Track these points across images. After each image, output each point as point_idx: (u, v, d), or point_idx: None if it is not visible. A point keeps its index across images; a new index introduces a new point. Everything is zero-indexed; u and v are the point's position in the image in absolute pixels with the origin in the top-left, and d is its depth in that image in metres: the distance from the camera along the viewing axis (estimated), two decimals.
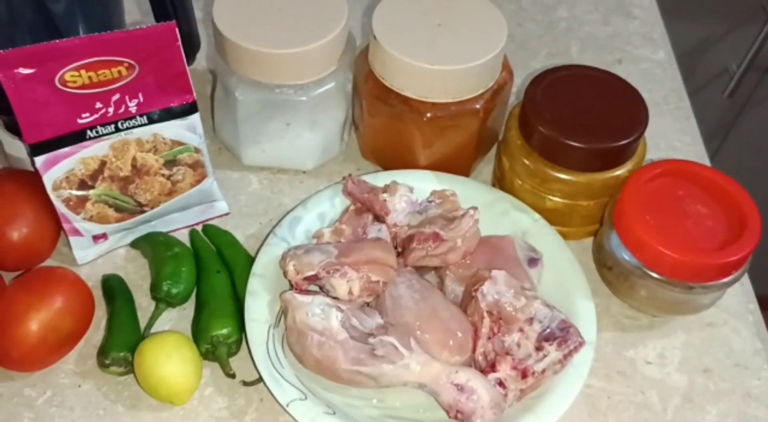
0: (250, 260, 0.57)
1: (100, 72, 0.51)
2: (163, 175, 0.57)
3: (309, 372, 0.51)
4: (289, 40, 0.56)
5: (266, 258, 0.55)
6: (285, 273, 0.53)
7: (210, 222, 0.61)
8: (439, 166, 0.62)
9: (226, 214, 0.62)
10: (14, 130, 0.59)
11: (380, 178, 0.60)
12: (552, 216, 0.59)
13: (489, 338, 0.51)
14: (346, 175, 0.62)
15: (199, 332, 0.52)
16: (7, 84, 0.49)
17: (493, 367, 0.50)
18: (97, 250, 0.58)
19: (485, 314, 0.51)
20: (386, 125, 0.61)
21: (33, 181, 0.57)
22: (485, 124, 0.60)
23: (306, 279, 0.52)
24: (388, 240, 0.56)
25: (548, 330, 0.51)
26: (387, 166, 0.64)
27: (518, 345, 0.51)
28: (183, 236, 0.60)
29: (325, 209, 0.59)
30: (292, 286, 0.53)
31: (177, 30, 0.51)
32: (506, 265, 0.54)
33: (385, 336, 0.50)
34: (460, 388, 0.48)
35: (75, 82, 0.51)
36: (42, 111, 0.51)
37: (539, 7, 0.82)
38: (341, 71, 0.60)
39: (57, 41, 0.49)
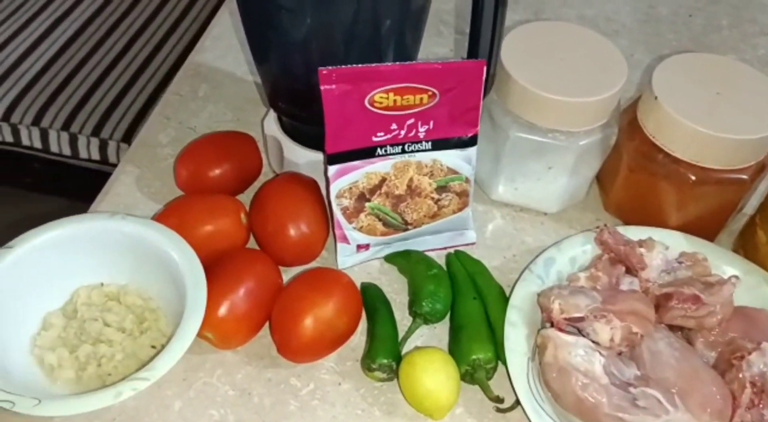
0: (502, 291, 0.59)
1: (405, 97, 0.55)
2: (432, 199, 0.60)
3: (563, 410, 0.52)
4: (570, 89, 0.59)
5: (522, 291, 0.57)
6: (545, 310, 0.55)
7: (458, 248, 0.64)
8: (686, 228, 0.63)
9: (472, 244, 0.65)
10: (296, 137, 0.64)
11: (630, 232, 0.61)
12: None
13: (748, 408, 0.51)
14: (598, 224, 0.64)
15: (459, 353, 0.54)
16: (326, 97, 0.54)
17: None
18: (356, 259, 0.62)
19: (747, 384, 0.51)
20: (643, 181, 0.62)
21: (312, 186, 0.62)
22: (745, 195, 0.61)
23: (568, 319, 0.54)
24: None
25: None
26: (630, 220, 0.65)
27: None
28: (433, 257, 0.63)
29: (576, 254, 0.61)
30: (550, 323, 0.55)
31: (485, 68, 0.55)
32: (763, 337, 0.54)
33: (648, 389, 0.51)
34: None
35: (381, 103, 0.55)
36: (347, 125, 0.56)
37: None
38: (609, 124, 0.62)
39: (377, 65, 0.53)
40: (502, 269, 0.63)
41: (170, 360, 0.48)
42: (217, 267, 0.55)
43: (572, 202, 0.67)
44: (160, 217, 0.58)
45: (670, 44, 0.87)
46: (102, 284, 0.57)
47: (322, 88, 0.53)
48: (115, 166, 1.33)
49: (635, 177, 0.63)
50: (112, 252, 0.56)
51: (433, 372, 0.52)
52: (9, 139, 1.32)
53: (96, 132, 1.27)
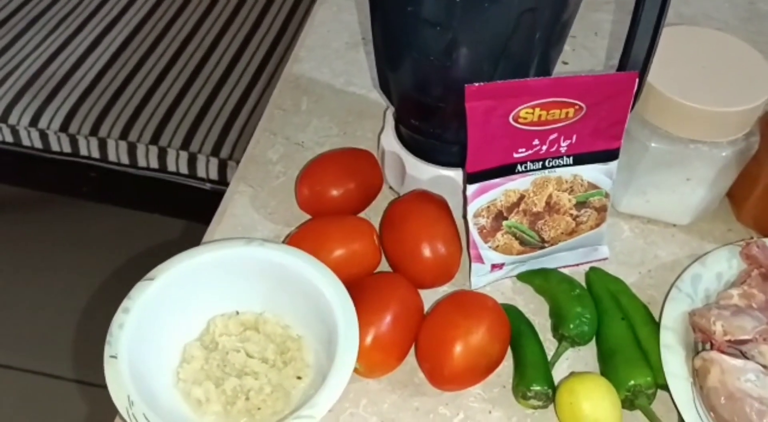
0: (648, 310, 0.57)
1: (551, 111, 0.53)
2: (571, 215, 0.58)
3: None
4: (714, 98, 0.56)
5: (674, 312, 0.55)
6: (702, 331, 0.53)
7: (591, 264, 0.62)
8: None
9: (605, 259, 0.62)
10: (418, 152, 0.62)
11: None
12: None
13: None
14: (730, 235, 0.62)
15: (616, 379, 0.52)
16: (471, 114, 0.52)
17: None
18: (490, 278, 0.60)
19: None
20: None
21: (442, 204, 0.60)
22: None
23: (732, 342, 0.52)
24: None
25: None
26: (767, 231, 0.62)
27: None
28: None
29: (722, 269, 0.58)
30: (710, 345, 0.53)
31: (637, 81, 0.52)
32: None
33: None
34: None
35: (526, 118, 0.53)
36: (489, 143, 0.53)
37: None
38: (752, 132, 0.59)
39: (526, 79, 0.51)
40: (640, 285, 0.61)
41: (332, 396, 0.46)
42: (358, 292, 0.53)
43: (705, 212, 0.65)
44: (294, 241, 0.56)
45: None
46: (237, 312, 0.55)
47: (467, 104, 0.51)
48: (204, 180, 1.33)
49: None
50: (247, 279, 0.54)
51: (597, 400, 0.50)
52: (96, 154, 1.31)
53: (185, 145, 1.26)
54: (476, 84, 0.50)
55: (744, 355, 0.52)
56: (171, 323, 0.53)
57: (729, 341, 0.52)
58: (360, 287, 0.54)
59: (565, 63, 0.80)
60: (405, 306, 0.54)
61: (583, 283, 0.60)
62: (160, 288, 0.51)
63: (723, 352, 0.52)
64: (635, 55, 0.52)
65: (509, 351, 0.55)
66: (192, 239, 0.62)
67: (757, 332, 0.51)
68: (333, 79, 0.77)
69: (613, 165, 0.57)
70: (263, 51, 1.42)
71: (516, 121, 0.53)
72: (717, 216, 0.66)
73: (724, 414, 0.50)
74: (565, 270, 0.61)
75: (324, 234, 0.57)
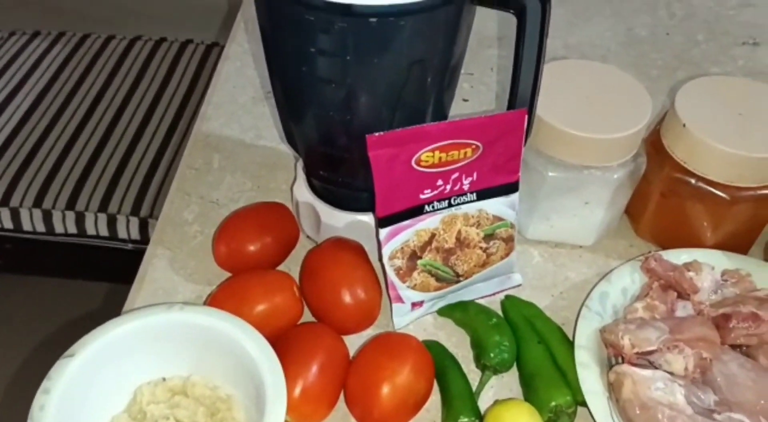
0: (562, 331, 0.60)
1: (450, 153, 0.55)
2: (481, 248, 0.60)
3: None
4: (601, 127, 0.60)
5: (586, 330, 0.58)
6: (613, 346, 0.56)
7: (506, 292, 0.64)
8: (720, 245, 0.64)
9: (519, 285, 0.65)
10: (331, 200, 0.64)
11: (671, 256, 0.63)
12: None
13: None
14: (632, 251, 0.66)
15: (538, 401, 0.54)
16: (375, 162, 0.54)
17: None
18: (411, 316, 0.62)
19: None
20: (677, 205, 0.64)
21: (359, 249, 0.61)
22: None
23: (640, 353, 0.55)
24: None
25: None
26: (665, 244, 0.66)
27: None
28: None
29: (626, 284, 0.62)
30: (621, 359, 0.56)
31: (527, 117, 0.56)
32: None
33: (733, 414, 0.52)
34: None
35: (427, 161, 0.55)
36: (395, 187, 0.55)
37: None
38: (639, 153, 0.63)
39: (424, 125, 0.54)
40: (553, 308, 0.63)
41: None
42: (283, 345, 0.54)
43: (607, 231, 0.68)
44: (214, 302, 0.57)
45: (656, 64, 0.90)
46: (164, 379, 0.55)
47: (370, 153, 0.53)
48: (125, 240, 1.30)
49: (668, 202, 0.64)
50: (171, 344, 0.54)
51: None
52: (9, 225, 1.28)
53: (103, 207, 1.24)
54: (377, 133, 0.52)
55: (653, 365, 0.56)
56: (95, 398, 0.52)
57: (637, 353, 0.55)
58: (285, 340, 0.55)
59: (465, 100, 0.84)
60: (330, 354, 0.55)
61: (500, 312, 0.62)
62: (80, 364, 0.51)
63: (633, 364, 0.55)
64: (522, 94, 0.55)
65: (436, 386, 0.57)
66: (117, 301, 0.62)
67: (661, 342, 0.54)
68: (242, 134, 0.79)
69: (514, 197, 0.60)
70: (175, 106, 1.43)
71: (418, 164, 0.55)
72: (619, 233, 0.70)
73: None
74: (483, 301, 0.64)
75: (244, 291, 0.57)
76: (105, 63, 1.53)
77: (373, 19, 0.46)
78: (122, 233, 1.27)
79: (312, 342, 0.55)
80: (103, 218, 1.27)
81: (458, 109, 0.83)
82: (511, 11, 0.51)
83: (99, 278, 1.45)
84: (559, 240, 0.68)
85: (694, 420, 0.51)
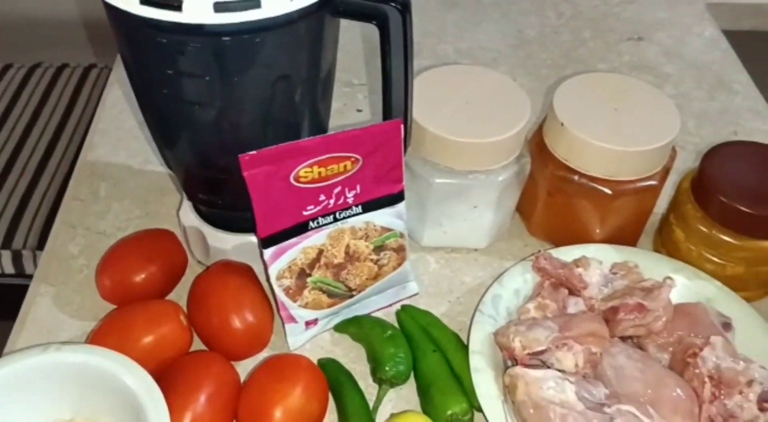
0: (458, 338, 0.60)
1: (329, 167, 0.55)
2: (372, 260, 0.60)
3: None
4: (482, 130, 0.60)
5: (480, 335, 0.58)
6: (506, 349, 0.56)
7: (403, 302, 0.64)
8: (609, 239, 0.66)
9: (416, 295, 0.65)
10: (218, 223, 0.62)
11: (561, 253, 0.64)
12: (730, 282, 0.62)
13: (711, 402, 0.54)
14: (526, 250, 0.66)
15: (434, 411, 0.54)
16: (251, 182, 0.52)
17: None
18: (307, 336, 0.61)
19: (706, 379, 0.54)
20: (563, 203, 0.65)
21: (247, 271, 0.60)
22: (657, 198, 0.65)
23: (532, 354, 0.55)
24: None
25: (767, 391, 0.54)
26: (557, 241, 0.67)
27: (741, 407, 0.53)
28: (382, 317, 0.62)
29: (518, 285, 0.62)
30: (514, 361, 0.56)
31: (403, 126, 0.55)
32: (705, 331, 0.58)
33: (621, 405, 0.52)
34: None
35: (306, 177, 0.54)
36: (275, 206, 0.54)
37: None
38: (522, 154, 0.64)
39: (298, 141, 0.53)
40: (450, 314, 0.63)
41: None
42: (171, 376, 0.52)
43: (500, 233, 0.69)
44: (96, 338, 0.55)
45: (545, 63, 0.91)
46: None
47: (245, 173, 0.52)
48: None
49: (554, 200, 0.65)
50: (51, 387, 0.52)
51: None
52: None
53: (6, 244, 1.19)
54: (250, 152, 0.51)
55: (545, 364, 0.56)
56: None
57: (529, 354, 0.55)
58: (172, 370, 0.53)
59: (359, 110, 0.84)
60: (220, 382, 0.53)
61: (397, 323, 0.62)
62: None
63: (527, 365, 0.55)
64: (396, 103, 0.55)
65: (333, 405, 0.56)
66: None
67: (550, 341, 0.55)
68: (129, 159, 0.76)
69: (400, 206, 0.60)
70: (49, 134, 1.37)
71: (297, 181, 0.54)
72: (513, 233, 0.70)
73: None
74: (380, 313, 0.63)
75: (128, 324, 0.55)
76: None
77: (227, 38, 0.45)
78: None
79: (199, 371, 0.53)
80: None
81: (353, 118, 0.83)
82: (374, 22, 0.51)
83: None
84: (454, 245, 0.68)
85: (584, 415, 0.52)
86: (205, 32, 0.44)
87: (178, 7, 0.42)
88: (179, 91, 0.49)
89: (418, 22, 0.97)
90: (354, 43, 0.91)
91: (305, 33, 0.49)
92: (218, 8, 0.42)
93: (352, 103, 0.85)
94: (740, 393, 0.54)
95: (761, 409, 0.53)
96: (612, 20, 0.99)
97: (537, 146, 0.66)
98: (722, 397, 0.54)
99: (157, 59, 0.47)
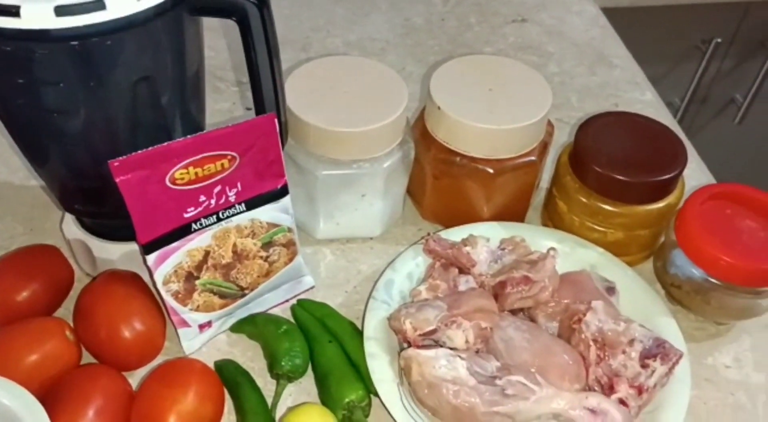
0: (354, 326, 0.60)
1: (205, 167, 0.54)
2: (261, 257, 0.60)
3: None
4: (361, 119, 0.61)
5: (373, 321, 0.59)
6: (398, 332, 0.57)
7: (300, 297, 0.64)
8: (498, 216, 0.67)
9: (312, 288, 0.65)
10: (102, 233, 0.61)
11: (452, 234, 0.65)
12: (613, 248, 0.65)
13: (597, 364, 0.56)
14: (421, 234, 0.67)
15: (331, 401, 0.54)
16: (124, 188, 0.51)
17: (611, 389, 0.54)
18: (202, 339, 0.60)
19: (591, 342, 0.56)
20: (449, 185, 0.66)
21: (134, 279, 0.59)
22: (538, 173, 0.67)
23: (423, 334, 0.56)
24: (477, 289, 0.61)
25: (647, 349, 0.56)
26: (449, 223, 0.68)
27: (624, 366, 0.56)
28: (279, 314, 0.62)
29: (411, 269, 0.63)
30: (408, 343, 0.57)
31: (277, 120, 0.55)
32: (590, 297, 0.59)
33: (511, 376, 0.54)
34: (594, 412, 0.52)
35: (183, 178, 0.54)
36: (154, 210, 0.54)
37: (532, 66, 0.90)
38: (405, 140, 0.65)
39: (169, 143, 0.52)
40: (348, 303, 0.64)
41: None
42: (56, 394, 0.51)
43: (393, 220, 0.70)
44: None
45: (433, 50, 0.93)
46: None
47: (117, 179, 0.51)
48: None
49: (441, 183, 0.66)
50: None
51: None
52: None
53: None
54: (120, 158, 0.50)
55: (438, 344, 0.57)
56: None
57: (420, 334, 0.56)
58: (59, 387, 0.52)
59: (248, 109, 0.83)
60: (109, 394, 0.52)
61: (293, 319, 0.62)
62: None
63: (420, 347, 0.56)
64: (267, 97, 0.55)
65: (231, 406, 0.56)
66: None
67: (439, 320, 0.56)
68: (11, 175, 0.74)
69: (285, 201, 0.59)
70: None
71: (174, 183, 0.54)
72: (407, 219, 0.71)
73: (429, 403, 0.54)
74: (277, 310, 0.63)
75: (7, 344, 0.53)
76: None
77: (75, 42, 0.44)
78: None
79: (86, 385, 0.52)
80: None
81: (244, 117, 0.82)
82: (234, 19, 0.50)
83: None
84: (349, 235, 0.69)
85: (477, 389, 0.53)
86: (52, 38, 0.43)
87: (15, 13, 0.41)
88: (35, 100, 0.48)
89: (307, 16, 0.97)
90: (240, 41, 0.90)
91: (162, 33, 0.48)
92: (60, 12, 0.41)
93: (241, 102, 0.84)
94: (623, 352, 0.56)
95: (643, 366, 0.55)
96: (496, 4, 1.01)
97: (420, 131, 0.66)
98: (607, 358, 0.56)
99: (6, 68, 0.45)
